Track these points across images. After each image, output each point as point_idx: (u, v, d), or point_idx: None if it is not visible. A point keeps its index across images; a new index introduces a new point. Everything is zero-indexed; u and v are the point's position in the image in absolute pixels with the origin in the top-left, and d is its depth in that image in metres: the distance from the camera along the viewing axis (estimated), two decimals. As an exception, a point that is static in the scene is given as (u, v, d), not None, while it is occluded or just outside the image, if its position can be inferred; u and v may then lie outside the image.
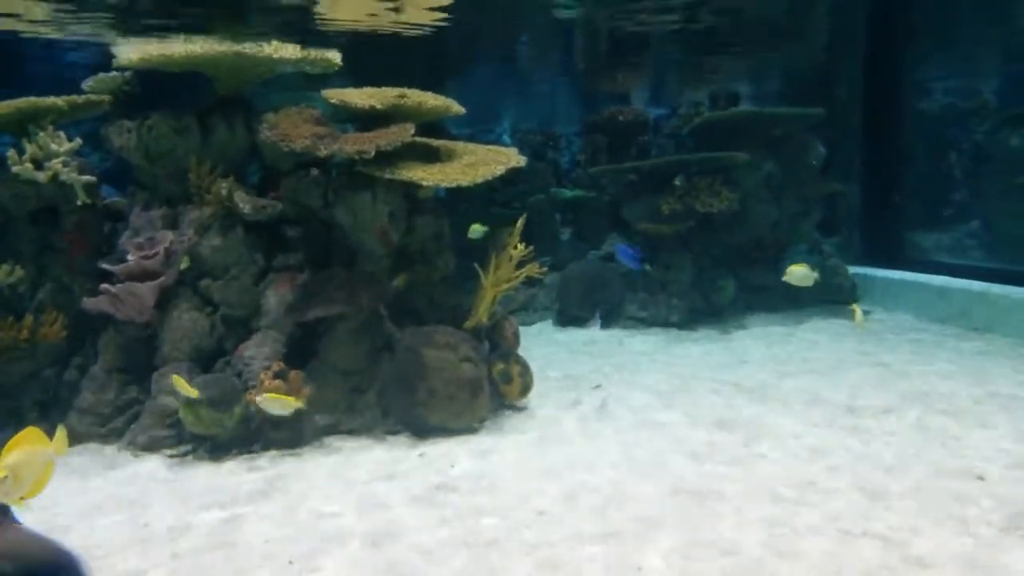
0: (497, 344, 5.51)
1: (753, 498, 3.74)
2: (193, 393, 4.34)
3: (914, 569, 3.02)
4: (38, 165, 4.73)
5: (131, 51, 5.02)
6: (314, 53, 5.16)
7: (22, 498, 2.61)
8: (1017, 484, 3.78)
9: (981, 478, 3.87)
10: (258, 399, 4.39)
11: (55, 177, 4.74)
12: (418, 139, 5.08)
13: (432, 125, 5.84)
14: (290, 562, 3.25)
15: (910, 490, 3.76)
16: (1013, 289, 7.18)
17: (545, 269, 5.65)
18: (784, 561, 3.11)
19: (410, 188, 5.09)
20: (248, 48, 4.94)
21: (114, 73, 5.33)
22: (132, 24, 6.78)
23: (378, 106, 5.01)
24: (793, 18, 8.79)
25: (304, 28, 7.16)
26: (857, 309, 5.44)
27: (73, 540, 3.51)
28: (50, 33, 7.09)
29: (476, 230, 6.18)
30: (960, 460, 4.12)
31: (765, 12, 8.22)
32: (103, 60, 5.62)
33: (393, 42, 8.02)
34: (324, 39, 7.12)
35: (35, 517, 3.76)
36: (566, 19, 7.83)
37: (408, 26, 7.33)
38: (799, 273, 5.66)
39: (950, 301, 7.63)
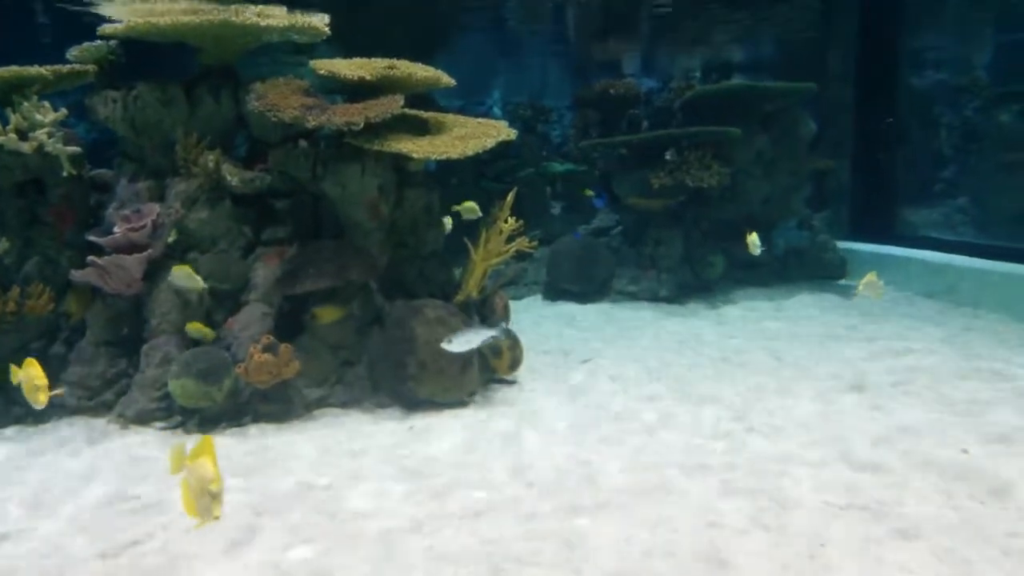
0: (487, 318, 5.51)
1: (739, 471, 3.77)
2: (199, 285, 4.60)
3: (898, 540, 3.06)
4: (22, 136, 4.67)
5: (116, 15, 4.90)
6: (301, 20, 5.09)
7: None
8: (1000, 458, 3.82)
9: (965, 451, 3.91)
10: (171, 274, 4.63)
11: (40, 148, 4.68)
12: (408, 111, 5.04)
13: (422, 97, 5.80)
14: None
15: (896, 463, 3.80)
16: (1001, 265, 7.23)
17: (535, 243, 5.64)
18: (768, 533, 3.14)
19: (400, 160, 5.06)
20: (235, 17, 4.87)
21: (99, 42, 5.25)
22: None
23: (367, 77, 4.95)
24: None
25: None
26: (869, 278, 5.46)
27: (63, 513, 3.52)
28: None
29: (468, 208, 5.93)
30: (945, 434, 4.16)
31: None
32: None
33: (382, 10, 7.92)
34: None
35: (24, 490, 3.77)
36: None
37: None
38: (750, 240, 6.14)
39: (939, 276, 7.67)
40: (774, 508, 3.36)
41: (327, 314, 4.79)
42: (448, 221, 5.59)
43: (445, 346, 4.20)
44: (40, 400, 3.56)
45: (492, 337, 4.37)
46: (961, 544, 3.01)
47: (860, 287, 5.50)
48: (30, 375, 3.60)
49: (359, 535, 3.24)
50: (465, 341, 4.24)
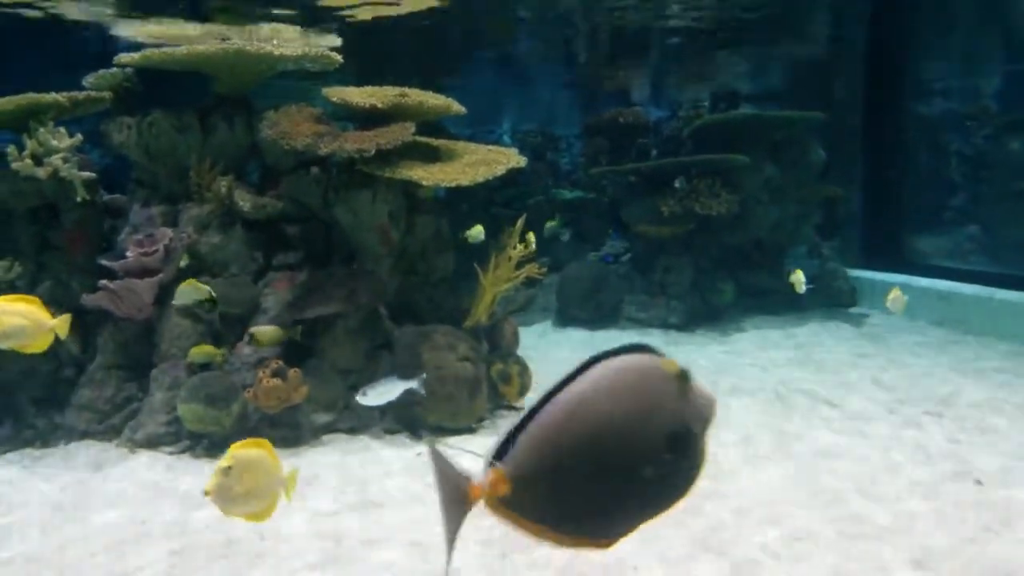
0: (496, 344, 5.50)
1: (751, 502, 3.73)
2: (217, 353, 4.57)
3: (913, 571, 3.02)
4: (38, 161, 4.73)
5: (130, 33, 4.95)
6: (315, 50, 5.17)
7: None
8: (1015, 489, 3.78)
9: (979, 482, 3.87)
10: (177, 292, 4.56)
11: (55, 173, 4.73)
12: (419, 138, 5.08)
13: (432, 124, 5.84)
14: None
15: (909, 493, 3.76)
16: (1012, 294, 7.18)
17: (545, 270, 5.65)
18: (781, 565, 3.11)
19: (410, 187, 5.09)
20: (250, 47, 4.94)
21: (115, 70, 5.33)
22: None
23: (379, 105, 5.00)
24: (794, 17, 8.80)
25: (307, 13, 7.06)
26: (895, 294, 5.69)
27: (71, 537, 3.51)
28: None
29: (476, 234, 5.85)
30: (959, 463, 4.12)
31: (767, 9, 8.23)
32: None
33: (394, 38, 8.01)
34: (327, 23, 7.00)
35: (31, 513, 3.76)
36: (565, 9, 7.78)
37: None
38: (796, 279, 5.95)
39: (949, 305, 7.63)
40: (794, 538, 3.33)
41: (264, 336, 4.68)
42: (480, 231, 5.53)
43: (359, 399, 4.01)
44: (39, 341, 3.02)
45: (411, 389, 4.12)
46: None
47: (888, 302, 5.71)
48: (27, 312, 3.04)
49: (367, 562, 3.22)
50: (380, 393, 4.01)
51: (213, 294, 4.60)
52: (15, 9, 6.76)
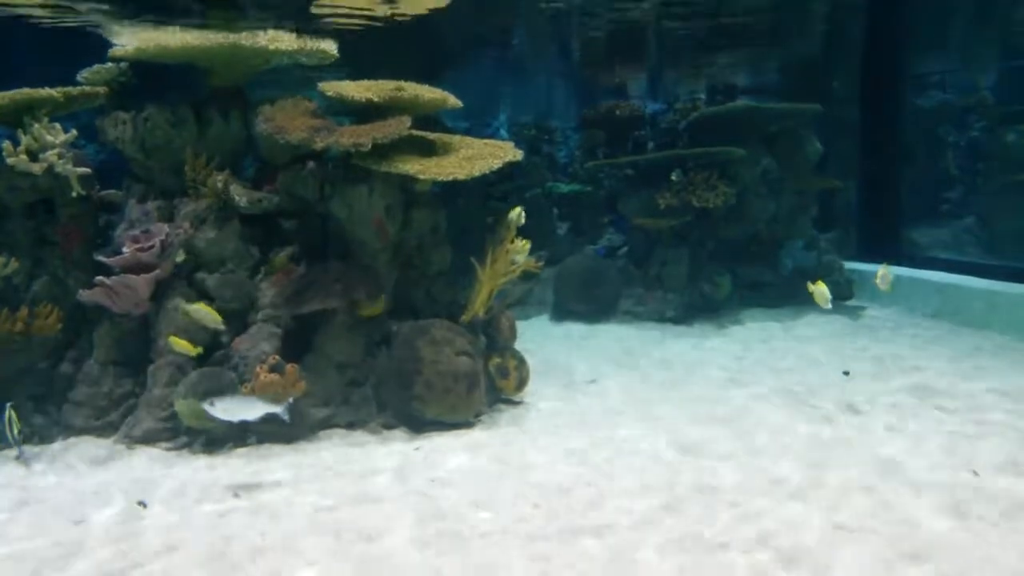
0: (494, 338, 5.50)
1: (748, 493, 3.74)
2: (193, 351, 4.53)
3: (910, 563, 3.03)
4: (33, 157, 4.71)
5: (127, 41, 4.96)
6: (310, 44, 5.14)
7: None
8: (1010, 479, 3.79)
9: (976, 473, 3.88)
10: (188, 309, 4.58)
11: (50, 169, 4.71)
12: (415, 132, 5.06)
13: (429, 118, 5.83)
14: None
15: (907, 485, 3.77)
16: (1008, 285, 7.20)
17: (541, 263, 5.64)
18: (778, 552, 3.11)
19: (407, 181, 5.08)
20: (244, 39, 4.92)
21: (110, 64, 5.31)
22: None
23: (375, 99, 4.99)
24: (790, 11, 8.79)
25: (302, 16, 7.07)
26: (883, 271, 5.72)
27: (68, 535, 3.51)
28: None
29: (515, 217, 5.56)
30: (956, 455, 4.13)
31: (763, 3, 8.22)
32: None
33: (390, 33, 7.99)
34: (320, 28, 7.02)
35: (28, 511, 3.76)
36: (559, 8, 7.78)
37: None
38: (819, 292, 5.53)
39: (945, 297, 7.64)
40: (780, 529, 3.33)
41: (179, 344, 4.61)
42: (518, 212, 5.38)
43: (205, 406, 3.94)
44: None
45: (271, 414, 4.03)
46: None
47: (877, 278, 5.72)
48: None
49: (364, 557, 3.22)
50: (231, 409, 3.95)
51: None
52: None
